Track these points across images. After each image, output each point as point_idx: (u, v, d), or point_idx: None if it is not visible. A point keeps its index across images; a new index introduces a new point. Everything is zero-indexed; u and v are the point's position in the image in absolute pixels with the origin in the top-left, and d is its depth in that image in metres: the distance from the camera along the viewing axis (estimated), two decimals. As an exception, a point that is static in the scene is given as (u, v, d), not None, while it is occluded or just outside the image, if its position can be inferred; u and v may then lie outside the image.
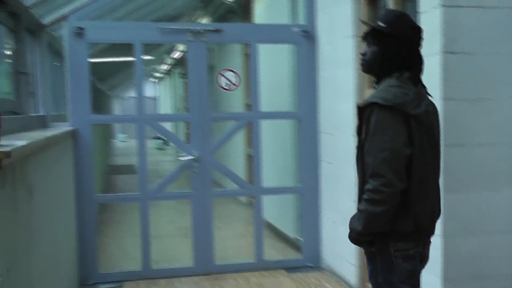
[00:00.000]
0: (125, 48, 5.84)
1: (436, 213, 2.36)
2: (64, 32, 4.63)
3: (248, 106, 6.17)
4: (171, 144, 17.43)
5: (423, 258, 2.37)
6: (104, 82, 15.57)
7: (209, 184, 4.93)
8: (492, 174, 3.18)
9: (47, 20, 4.65)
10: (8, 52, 4.19)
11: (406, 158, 2.17)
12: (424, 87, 2.37)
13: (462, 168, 3.14)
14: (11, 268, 2.24)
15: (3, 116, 2.76)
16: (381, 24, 2.29)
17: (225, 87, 5.05)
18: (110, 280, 4.74)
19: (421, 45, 2.36)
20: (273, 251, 5.51)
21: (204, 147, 4.87)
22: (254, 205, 5.08)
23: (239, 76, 5.12)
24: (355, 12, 4.16)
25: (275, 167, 6.11)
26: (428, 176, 2.26)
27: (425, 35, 2.40)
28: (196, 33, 4.81)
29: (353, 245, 2.41)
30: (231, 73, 5.08)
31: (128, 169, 12.47)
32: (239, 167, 7.92)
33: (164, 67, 19.91)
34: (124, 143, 24.19)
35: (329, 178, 4.82)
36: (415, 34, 2.32)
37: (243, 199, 8.32)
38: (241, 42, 6.59)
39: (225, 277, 4.81)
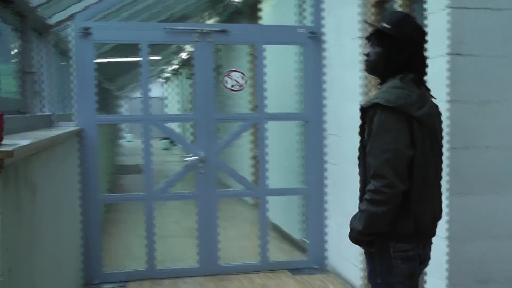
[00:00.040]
0: (133, 48, 5.84)
1: (437, 215, 2.36)
2: (71, 32, 4.63)
3: (255, 107, 6.16)
4: (178, 144, 17.44)
5: (423, 260, 2.36)
6: (112, 82, 15.64)
7: (214, 184, 4.92)
8: (499, 177, 3.16)
9: (53, 20, 4.67)
10: (15, 52, 4.21)
11: (408, 160, 2.17)
12: (427, 89, 2.36)
13: (469, 171, 3.11)
14: (13, 267, 2.24)
15: (8, 116, 2.77)
16: (385, 25, 2.29)
17: (231, 89, 5.04)
18: (115, 280, 4.74)
19: (425, 47, 2.35)
20: (278, 252, 5.49)
21: (210, 147, 4.86)
22: (260, 206, 5.07)
23: (245, 76, 5.11)
24: (362, 13, 4.14)
25: (281, 168, 6.09)
26: (430, 178, 2.26)
27: (432, 37, 2.39)
28: (203, 33, 4.80)
29: (358, 247, 2.41)
30: (237, 73, 5.07)
31: (134, 169, 12.49)
32: (245, 168, 7.91)
33: (172, 67, 19.96)
34: (131, 143, 24.27)
35: (334, 179, 4.80)
36: (419, 36, 2.32)
37: (248, 200, 8.30)
38: (248, 43, 6.58)
39: (230, 278, 4.81)
